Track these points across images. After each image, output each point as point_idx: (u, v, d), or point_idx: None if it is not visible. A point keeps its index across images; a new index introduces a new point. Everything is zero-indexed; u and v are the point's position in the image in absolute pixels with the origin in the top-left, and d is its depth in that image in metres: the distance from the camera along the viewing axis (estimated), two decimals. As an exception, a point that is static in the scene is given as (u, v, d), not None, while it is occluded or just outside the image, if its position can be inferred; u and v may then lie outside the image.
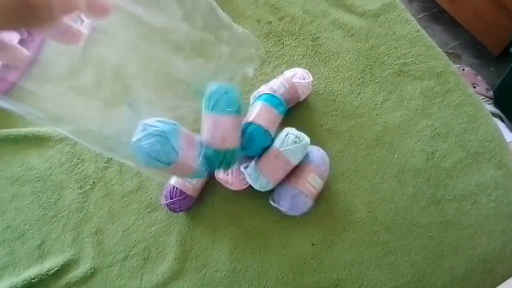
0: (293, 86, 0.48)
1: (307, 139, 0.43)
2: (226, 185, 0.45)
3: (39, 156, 0.55)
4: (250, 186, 0.44)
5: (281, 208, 0.43)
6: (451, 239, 0.43)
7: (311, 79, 0.49)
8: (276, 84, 0.48)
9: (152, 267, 0.47)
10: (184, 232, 0.48)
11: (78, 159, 0.55)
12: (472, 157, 0.47)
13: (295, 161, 0.43)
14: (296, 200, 0.42)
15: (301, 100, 0.50)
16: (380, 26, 0.55)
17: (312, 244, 0.45)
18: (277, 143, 0.43)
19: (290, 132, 0.43)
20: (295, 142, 0.42)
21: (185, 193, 0.45)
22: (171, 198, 0.45)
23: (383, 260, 0.43)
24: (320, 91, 0.53)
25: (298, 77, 0.49)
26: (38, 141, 0.56)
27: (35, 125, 0.58)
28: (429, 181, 0.46)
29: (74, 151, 0.55)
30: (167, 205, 0.45)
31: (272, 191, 0.44)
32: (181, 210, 0.46)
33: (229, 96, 0.37)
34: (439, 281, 0.42)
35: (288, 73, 0.50)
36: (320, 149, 0.45)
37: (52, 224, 0.51)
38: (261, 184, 0.42)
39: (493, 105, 0.88)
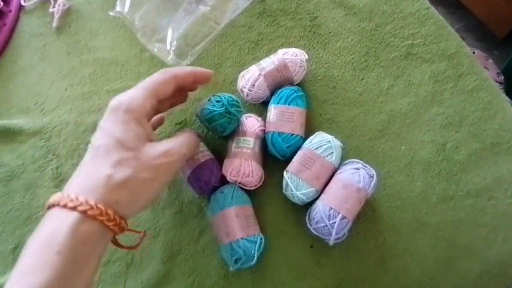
0: (283, 62, 0.43)
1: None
2: (241, 186, 0.41)
3: (11, 151, 0.51)
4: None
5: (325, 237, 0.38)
6: (464, 239, 0.39)
7: (306, 57, 0.44)
8: (266, 61, 0.44)
9: (136, 273, 0.43)
10: (172, 234, 0.44)
11: (53, 155, 0.50)
12: (488, 148, 0.42)
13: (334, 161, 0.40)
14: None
15: (294, 82, 0.45)
16: (386, 4, 0.50)
17: (311, 247, 0.41)
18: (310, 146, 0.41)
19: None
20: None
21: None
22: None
23: (389, 263, 0.39)
24: (319, 77, 0.48)
25: (290, 54, 0.44)
26: (9, 135, 0.51)
27: (5, 117, 0.53)
28: (440, 175, 0.42)
29: (49, 146, 0.51)
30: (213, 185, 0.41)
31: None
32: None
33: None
34: (450, 284, 0.39)
35: (281, 51, 0.45)
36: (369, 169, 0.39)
37: (27, 226, 0.47)
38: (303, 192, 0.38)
39: (503, 91, 0.84)
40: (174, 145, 0.33)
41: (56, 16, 0.57)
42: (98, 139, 0.30)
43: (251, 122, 0.42)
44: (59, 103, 0.53)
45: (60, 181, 0.48)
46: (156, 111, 0.35)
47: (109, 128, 0.30)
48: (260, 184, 0.42)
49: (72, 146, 0.50)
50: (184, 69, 0.36)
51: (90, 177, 0.29)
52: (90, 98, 0.53)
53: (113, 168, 0.28)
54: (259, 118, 0.44)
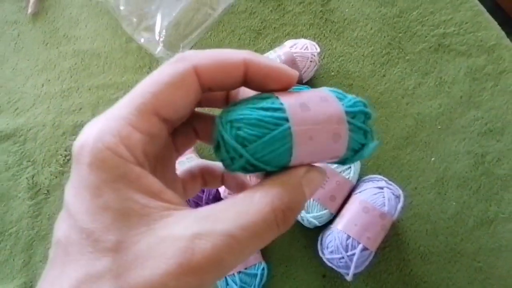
0: (291, 58, 0.36)
1: None
2: None
3: (-20, 157, 0.45)
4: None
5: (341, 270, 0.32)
6: (502, 270, 0.33)
7: (318, 50, 0.37)
8: (270, 56, 0.37)
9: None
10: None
11: (29, 161, 0.44)
12: (536, 161, 0.36)
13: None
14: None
15: (304, 79, 0.38)
16: (412, -16, 0.42)
17: (323, 276, 0.35)
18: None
19: None
20: None
21: None
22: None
23: (416, 297, 0.34)
24: (332, 72, 0.41)
25: (299, 47, 0.37)
26: (-21, 138, 0.46)
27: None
28: (479, 193, 0.35)
29: (23, 151, 0.45)
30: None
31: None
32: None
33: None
34: (487, 323, 0.33)
35: (288, 43, 0.38)
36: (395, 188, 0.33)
37: (-1, 243, 0.41)
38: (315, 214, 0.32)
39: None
40: (227, 226, 0.13)
41: (32, 0, 0.50)
42: (58, 226, 0.14)
43: None
44: (35, 102, 0.47)
45: (36, 192, 0.43)
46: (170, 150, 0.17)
47: (70, 205, 0.14)
48: None
49: (49, 151, 0.44)
50: (215, 53, 0.15)
51: None
52: (70, 95, 0.47)
53: None
54: None
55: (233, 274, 0.31)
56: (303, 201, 0.14)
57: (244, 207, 0.13)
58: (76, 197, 0.14)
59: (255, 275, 0.32)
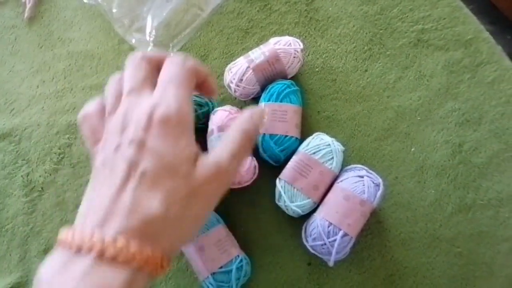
0: (274, 54, 0.37)
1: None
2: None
3: (-23, 157, 0.46)
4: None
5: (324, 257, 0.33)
6: (484, 256, 0.34)
7: (301, 46, 0.39)
8: (255, 52, 0.38)
9: (113, 292, 0.38)
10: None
11: (23, 160, 0.46)
12: (512, 149, 0.37)
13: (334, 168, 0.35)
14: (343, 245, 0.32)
15: (288, 75, 0.40)
16: (392, -17, 0.44)
17: (309, 264, 0.36)
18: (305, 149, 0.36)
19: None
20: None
21: None
22: None
23: (398, 283, 0.35)
24: (317, 69, 0.42)
25: (282, 43, 0.38)
26: (-24, 138, 0.47)
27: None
28: (456, 181, 0.36)
29: (19, 150, 0.46)
30: None
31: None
32: None
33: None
34: (468, 307, 0.34)
35: (272, 40, 0.39)
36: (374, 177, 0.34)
37: (-5, 239, 0.42)
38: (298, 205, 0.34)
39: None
40: (223, 154, 0.22)
41: (28, 5, 0.52)
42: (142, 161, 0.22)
43: (216, 117, 0.37)
44: (30, 102, 0.48)
45: (30, 190, 0.44)
46: None
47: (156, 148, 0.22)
48: (255, 176, 0.36)
49: (43, 150, 0.45)
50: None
51: (136, 213, 0.20)
52: (63, 96, 0.48)
53: (164, 203, 0.20)
54: (230, 109, 0.37)
55: (207, 276, 0.32)
56: (255, 124, 0.24)
57: (225, 138, 0.23)
58: (163, 142, 0.22)
59: (230, 271, 0.32)
